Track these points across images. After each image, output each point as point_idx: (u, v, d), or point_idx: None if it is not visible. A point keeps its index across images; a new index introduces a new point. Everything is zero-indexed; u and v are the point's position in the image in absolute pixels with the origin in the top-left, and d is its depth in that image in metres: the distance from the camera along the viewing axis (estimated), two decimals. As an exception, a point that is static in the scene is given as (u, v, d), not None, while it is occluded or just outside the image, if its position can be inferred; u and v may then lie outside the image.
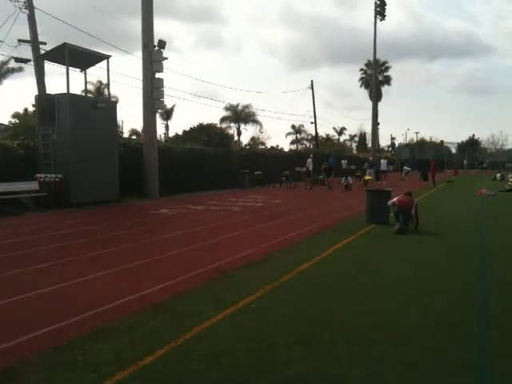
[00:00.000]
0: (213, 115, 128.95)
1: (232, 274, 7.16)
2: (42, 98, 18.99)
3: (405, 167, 42.90)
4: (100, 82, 46.18)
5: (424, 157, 67.30)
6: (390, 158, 59.59)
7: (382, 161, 37.86)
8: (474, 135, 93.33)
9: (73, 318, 5.09)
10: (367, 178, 30.61)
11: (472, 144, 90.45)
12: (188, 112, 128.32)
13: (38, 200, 16.04)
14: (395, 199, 11.52)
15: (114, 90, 60.98)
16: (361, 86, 67.35)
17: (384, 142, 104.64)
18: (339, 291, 6.35)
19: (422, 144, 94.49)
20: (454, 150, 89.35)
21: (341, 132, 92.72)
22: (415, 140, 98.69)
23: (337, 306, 5.68)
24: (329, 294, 6.18)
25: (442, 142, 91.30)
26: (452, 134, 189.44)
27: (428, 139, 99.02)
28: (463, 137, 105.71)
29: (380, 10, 45.92)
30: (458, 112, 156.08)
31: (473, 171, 65.72)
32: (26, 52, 23.52)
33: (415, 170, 47.84)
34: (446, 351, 4.32)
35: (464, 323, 5.07)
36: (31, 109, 37.46)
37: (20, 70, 26.10)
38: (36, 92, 22.18)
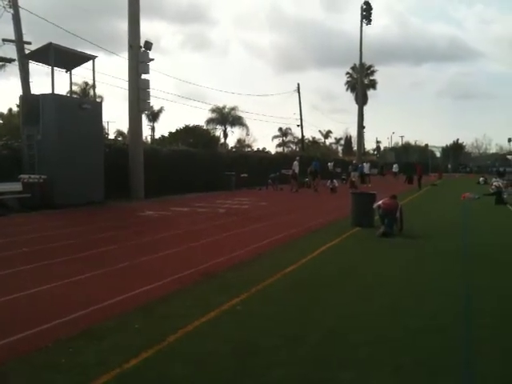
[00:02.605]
0: (199, 117, 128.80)
1: (217, 276, 7.15)
2: (27, 98, 18.80)
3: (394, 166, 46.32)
4: (86, 83, 45.93)
5: (409, 160, 68.11)
6: (374, 161, 60.24)
7: (364, 164, 38.54)
8: (458, 139, 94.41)
9: (57, 320, 5.05)
10: (353, 179, 30.92)
11: (456, 148, 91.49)
12: (174, 114, 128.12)
13: (23, 201, 15.85)
14: (380, 202, 11.60)
15: (99, 91, 60.57)
16: (347, 89, 67.48)
17: (369, 145, 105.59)
18: (324, 293, 6.38)
19: (407, 148, 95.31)
20: (438, 154, 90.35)
21: (327, 135, 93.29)
22: (400, 144, 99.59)
23: (322, 308, 5.70)
24: (314, 297, 6.20)
25: (426, 145, 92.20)
26: (436, 137, 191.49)
27: (413, 143, 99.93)
28: (447, 141, 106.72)
29: (366, 14, 46.31)
30: (443, 116, 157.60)
31: (457, 175, 66.41)
32: (11, 51, 23.29)
33: (400, 174, 48.49)
34: (431, 353, 4.36)
35: (448, 325, 5.12)
36: (16, 109, 37.08)
37: (1, 67, 25.69)
38: (20, 92, 21.97)
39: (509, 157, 62.21)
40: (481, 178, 39.17)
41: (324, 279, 7.14)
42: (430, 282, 7.04)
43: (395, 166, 51.75)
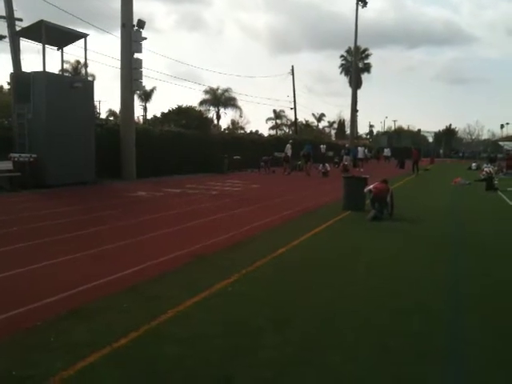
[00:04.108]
0: (192, 98, 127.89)
1: (208, 257, 7.17)
2: (18, 76, 18.53)
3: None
4: (78, 62, 45.39)
5: (401, 145, 68.19)
6: (367, 145, 60.28)
7: (359, 148, 38.31)
8: (450, 125, 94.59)
9: (46, 300, 5.05)
10: (345, 163, 31.01)
11: (448, 133, 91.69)
12: (167, 94, 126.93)
13: (13, 180, 15.74)
14: (371, 186, 11.63)
15: (91, 70, 59.90)
16: (341, 72, 67.31)
17: (362, 129, 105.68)
18: (315, 276, 6.42)
19: (399, 132, 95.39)
20: (430, 139, 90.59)
21: (320, 118, 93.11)
22: (393, 128, 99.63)
23: (312, 291, 5.74)
24: (305, 279, 6.24)
25: (419, 130, 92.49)
26: (429, 122, 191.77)
27: (406, 127, 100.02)
28: (440, 126, 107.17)
29: (362, -3, 45.78)
30: (436, 101, 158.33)
31: (448, 160, 66.66)
32: (1, 28, 22.95)
33: (392, 158, 48.66)
34: (419, 336, 4.42)
35: (435, 308, 5.19)
36: (6, 87, 36.62)
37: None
38: (11, 70, 21.67)
39: (501, 143, 62.41)
40: (473, 164, 39.38)
41: (314, 262, 7.17)
42: (418, 266, 7.09)
43: (387, 150, 51.95)
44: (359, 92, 58.27)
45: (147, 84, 58.60)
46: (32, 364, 3.67)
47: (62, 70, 22.34)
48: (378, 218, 11.02)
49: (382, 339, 4.31)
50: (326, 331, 4.49)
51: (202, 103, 57.62)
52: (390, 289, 5.91)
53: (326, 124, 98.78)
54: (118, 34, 21.10)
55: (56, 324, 4.42)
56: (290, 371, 3.72)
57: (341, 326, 4.60)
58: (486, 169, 27.76)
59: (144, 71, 21.82)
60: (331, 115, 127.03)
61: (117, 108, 48.59)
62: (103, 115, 55.16)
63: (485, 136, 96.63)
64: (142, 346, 4.02)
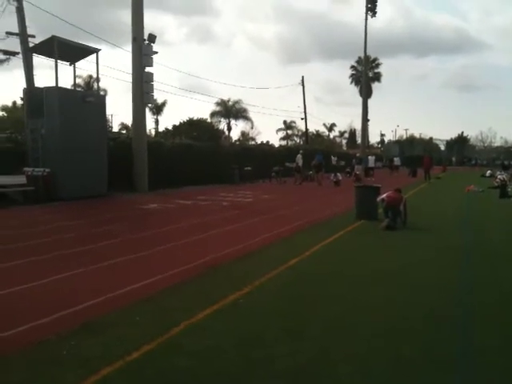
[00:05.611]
0: (203, 110, 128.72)
1: (221, 269, 7.16)
2: (31, 92, 18.82)
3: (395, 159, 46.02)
4: (90, 76, 45.93)
5: (413, 153, 67.75)
6: (378, 154, 60.01)
7: (369, 157, 38.11)
8: (462, 132, 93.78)
9: (58, 313, 5.05)
10: (357, 173, 30.94)
11: (461, 141, 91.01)
12: (178, 107, 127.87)
13: (27, 194, 15.89)
14: (384, 195, 11.56)
15: (103, 84, 60.61)
16: (351, 82, 67.31)
17: (374, 138, 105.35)
18: (327, 286, 6.37)
19: (411, 141, 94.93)
20: (442, 147, 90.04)
21: (331, 128, 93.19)
22: (405, 137, 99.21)
23: (325, 301, 5.70)
24: (317, 290, 6.19)
25: (431, 138, 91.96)
26: (441, 130, 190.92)
27: (417, 136, 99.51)
28: (452, 134, 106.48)
29: (371, 7, 45.85)
30: (448, 109, 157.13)
31: (461, 168, 66.14)
32: (15, 45, 23.33)
33: (404, 167, 48.31)
34: (433, 345, 4.35)
35: (449, 317, 5.11)
36: (20, 102, 37.12)
37: (5, 61, 25.71)
38: (24, 85, 21.98)
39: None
40: (488, 171, 39.09)
41: (327, 272, 7.11)
42: (433, 275, 7.00)
43: (396, 159, 50.70)
44: (370, 101, 58.27)
45: (158, 97, 59.05)
46: (44, 377, 3.67)
47: (75, 84, 22.62)
48: (392, 227, 10.93)
49: (396, 349, 4.25)
50: (340, 341, 4.44)
51: (212, 115, 57.99)
52: (405, 298, 5.83)
53: (337, 134, 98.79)
54: (129, 48, 21.36)
55: (68, 338, 4.41)
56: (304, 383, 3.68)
57: (354, 337, 4.55)
58: (499, 176, 27.49)
59: (155, 84, 22.04)
60: (342, 125, 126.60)
61: (129, 121, 49.06)
62: (115, 128, 55.83)
63: (497, 143, 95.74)
64: (154, 359, 4.01)
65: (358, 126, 75.96)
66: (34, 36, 23.52)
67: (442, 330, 4.77)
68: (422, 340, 4.51)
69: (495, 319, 5.15)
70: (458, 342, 4.52)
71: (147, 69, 21.25)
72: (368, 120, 55.24)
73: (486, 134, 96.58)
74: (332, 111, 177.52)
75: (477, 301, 5.84)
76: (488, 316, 5.25)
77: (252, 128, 68.67)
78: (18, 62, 24.58)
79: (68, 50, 18.37)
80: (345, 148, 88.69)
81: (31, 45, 21.92)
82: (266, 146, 61.26)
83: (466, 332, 4.79)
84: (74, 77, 21.04)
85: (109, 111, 37.11)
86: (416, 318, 5.11)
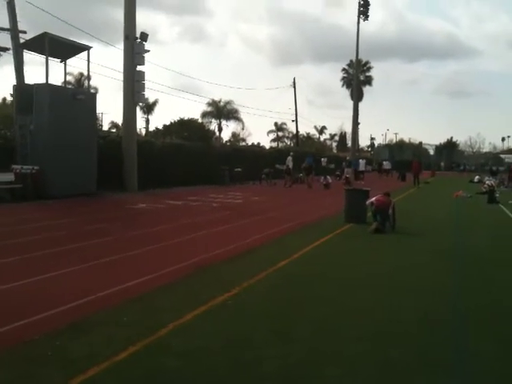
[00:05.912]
0: (194, 110, 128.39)
1: (210, 269, 7.14)
2: (21, 88, 18.64)
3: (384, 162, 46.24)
4: (81, 74, 45.67)
5: (403, 158, 68.00)
6: (368, 158, 60.22)
7: (360, 161, 38.26)
8: (452, 137, 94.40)
9: (45, 313, 5.00)
10: (347, 176, 31.01)
11: (450, 146, 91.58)
12: (169, 106, 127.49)
13: (14, 191, 15.75)
14: (373, 199, 11.62)
15: (94, 82, 60.23)
16: (342, 85, 67.65)
17: (364, 142, 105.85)
18: (315, 288, 6.39)
19: (401, 145, 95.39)
20: (431, 152, 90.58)
21: (321, 131, 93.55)
22: (394, 141, 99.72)
23: (313, 303, 5.71)
24: (305, 292, 6.20)
25: (420, 143, 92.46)
26: (431, 135, 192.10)
27: (407, 140, 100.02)
28: (441, 139, 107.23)
29: (363, 10, 46.06)
30: (438, 114, 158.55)
31: (449, 173, 66.59)
32: (5, 40, 23.12)
33: (393, 171, 48.49)
34: (423, 348, 4.37)
35: (437, 321, 5.14)
36: (9, 98, 36.82)
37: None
38: (14, 81, 21.79)
39: (502, 156, 62.39)
40: (476, 177, 39.39)
41: (315, 274, 7.13)
42: (421, 279, 7.05)
43: (386, 162, 50.82)
44: (361, 105, 58.47)
45: (150, 96, 58.73)
46: (30, 377, 3.63)
47: (65, 82, 22.44)
48: (380, 230, 10.98)
49: (384, 352, 4.27)
50: (328, 343, 4.44)
51: (204, 115, 57.86)
52: (393, 301, 5.86)
53: (328, 137, 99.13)
54: (120, 46, 21.28)
55: (55, 337, 4.37)
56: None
57: (342, 339, 4.56)
58: (487, 182, 27.73)
59: (146, 83, 21.94)
60: (333, 128, 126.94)
61: (119, 120, 48.84)
62: (105, 127, 55.47)
63: (486, 149, 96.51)
64: (142, 360, 3.99)
65: (348, 129, 76.06)
66: (25, 32, 23.32)
67: (431, 333, 4.79)
68: (413, 345, 4.53)
69: (485, 322, 5.20)
70: (451, 345, 4.56)
71: (139, 67, 21.14)
72: (358, 123, 55.51)
73: (475, 139, 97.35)
74: (323, 114, 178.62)
75: (463, 305, 5.89)
76: (477, 318, 5.30)
77: (243, 129, 68.67)
78: (8, 58, 24.38)
79: (59, 47, 18.24)
80: (335, 151, 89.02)
81: (22, 41, 21.74)
82: (257, 147, 61.28)
83: (456, 336, 4.83)
84: (65, 74, 20.86)
85: (99, 109, 37.00)
86: (410, 322, 5.13)
